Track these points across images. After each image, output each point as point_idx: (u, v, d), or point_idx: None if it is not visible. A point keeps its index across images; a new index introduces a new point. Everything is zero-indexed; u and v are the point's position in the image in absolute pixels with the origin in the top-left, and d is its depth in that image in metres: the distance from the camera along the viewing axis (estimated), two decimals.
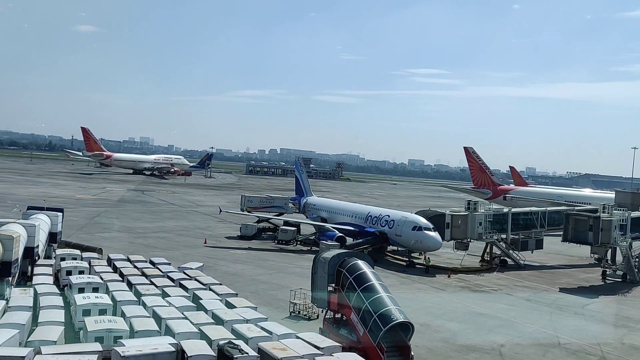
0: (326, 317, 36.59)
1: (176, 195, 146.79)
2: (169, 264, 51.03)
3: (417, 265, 66.55)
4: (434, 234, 64.51)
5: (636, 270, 65.96)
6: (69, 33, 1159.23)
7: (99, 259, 51.70)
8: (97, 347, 27.69)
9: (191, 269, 49.34)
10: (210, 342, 28.96)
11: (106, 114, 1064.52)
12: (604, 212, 65.75)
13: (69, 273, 44.04)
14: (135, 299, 37.81)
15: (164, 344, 27.55)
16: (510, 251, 71.84)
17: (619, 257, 68.74)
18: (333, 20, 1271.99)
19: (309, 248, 73.96)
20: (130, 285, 41.85)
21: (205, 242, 73.63)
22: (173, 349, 26.92)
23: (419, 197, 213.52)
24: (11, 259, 37.87)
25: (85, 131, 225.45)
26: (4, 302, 34.83)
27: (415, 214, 70.97)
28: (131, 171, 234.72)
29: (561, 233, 69.37)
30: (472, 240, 70.31)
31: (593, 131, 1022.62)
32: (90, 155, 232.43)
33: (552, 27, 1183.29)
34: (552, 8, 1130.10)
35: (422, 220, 66.27)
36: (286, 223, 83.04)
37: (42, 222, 50.28)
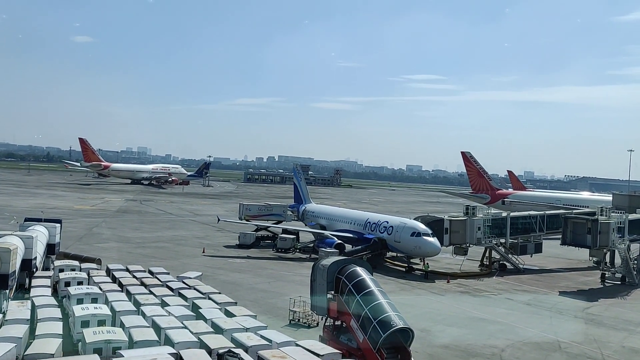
0: (326, 324, 36.49)
1: (174, 205, 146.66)
2: (168, 273, 50.92)
3: (416, 271, 66.48)
4: (433, 240, 64.48)
5: (635, 272, 66.01)
6: (65, 44, 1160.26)
7: (97, 269, 51.50)
8: (96, 358, 27.59)
9: (190, 278, 49.24)
10: (209, 351, 28.90)
11: (104, 125, 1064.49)
12: (601, 215, 65.80)
13: (67, 284, 43.85)
14: (135, 309, 37.68)
15: (163, 353, 27.45)
16: (510, 255, 71.81)
17: (617, 260, 68.77)
18: (330, 27, 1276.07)
19: (308, 256, 73.84)
20: (129, 295, 41.73)
21: (203, 252, 73.49)
22: (173, 359, 26.82)
23: (418, 203, 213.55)
24: (8, 272, 37.66)
25: (83, 142, 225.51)
26: (0, 315, 34.66)
27: (414, 219, 70.96)
28: (129, 181, 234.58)
29: (560, 237, 69.41)
30: (471, 245, 70.32)
31: (590, 134, 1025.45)
32: (88, 166, 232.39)
33: (548, 31, 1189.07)
34: (547, 12, 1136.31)
35: (421, 226, 66.28)
36: (285, 231, 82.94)
37: (40, 234, 50.16)
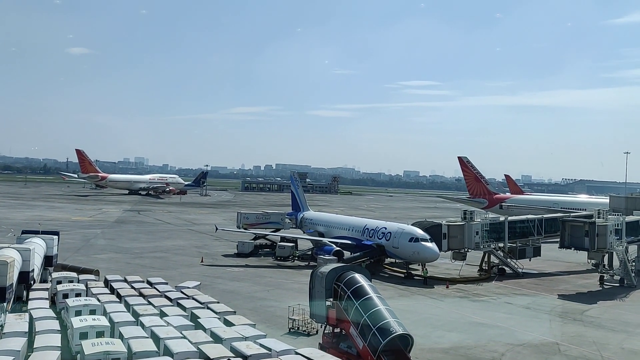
0: (325, 332, 36.45)
1: (172, 215, 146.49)
2: (167, 283, 50.75)
3: (415, 277, 66.43)
4: (431, 245, 64.49)
5: (633, 274, 66.12)
6: (61, 55, 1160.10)
7: (95, 280, 51.38)
8: None
9: (188, 287, 49.09)
10: None
11: (101, 136, 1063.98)
12: (599, 218, 65.93)
13: (65, 296, 43.69)
14: (133, 319, 37.57)
15: None
16: (508, 259, 71.81)
17: (616, 262, 68.87)
18: (325, 35, 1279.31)
19: (306, 263, 73.77)
20: (127, 306, 41.61)
21: (202, 261, 73.38)
22: None
23: (415, 209, 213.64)
24: (5, 285, 37.62)
25: (80, 153, 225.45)
26: None
27: (412, 225, 71.00)
28: (127, 192, 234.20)
29: (558, 240, 69.50)
30: (469, 250, 70.40)
31: (586, 137, 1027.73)
32: (85, 177, 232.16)
33: (542, 35, 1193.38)
34: (541, 17, 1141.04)
35: (419, 232, 66.31)
36: (283, 239, 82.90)
37: (38, 246, 50.03)
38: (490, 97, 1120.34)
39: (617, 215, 69.36)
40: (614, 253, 67.07)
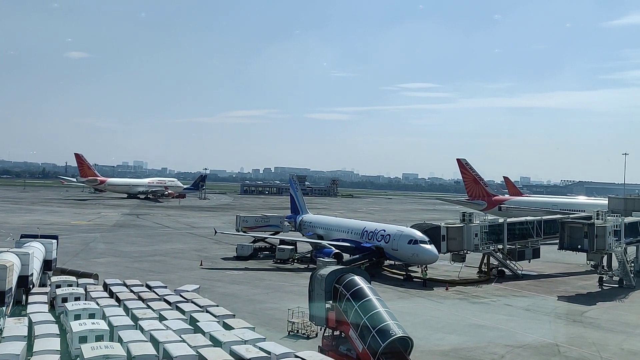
0: (325, 334, 36.42)
1: (171, 218, 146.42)
2: (166, 287, 50.72)
3: (414, 279, 66.43)
4: (430, 247, 64.50)
5: (632, 275, 66.20)
6: (59, 59, 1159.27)
7: (95, 284, 51.31)
8: None
9: (188, 291, 49.01)
10: None
11: (100, 140, 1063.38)
12: (597, 219, 65.98)
13: (64, 300, 43.65)
14: (132, 323, 37.54)
15: None
16: (508, 261, 71.81)
17: (615, 263, 68.87)
18: (323, 38, 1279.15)
19: (306, 266, 73.72)
20: (127, 309, 41.56)
21: (201, 264, 73.31)
22: None
23: (414, 211, 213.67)
24: (5, 289, 37.62)
25: (78, 157, 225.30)
26: None
27: (411, 227, 71.02)
28: (125, 195, 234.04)
29: (557, 241, 69.51)
30: (468, 252, 70.36)
31: (585, 139, 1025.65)
32: (84, 181, 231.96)
33: (540, 37, 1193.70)
34: (539, 19, 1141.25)
35: (418, 234, 66.33)
36: (282, 242, 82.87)
37: (37, 250, 50.01)
38: (489, 99, 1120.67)
39: (616, 216, 69.48)
40: (613, 254, 67.15)
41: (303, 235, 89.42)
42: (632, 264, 68.85)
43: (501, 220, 76.61)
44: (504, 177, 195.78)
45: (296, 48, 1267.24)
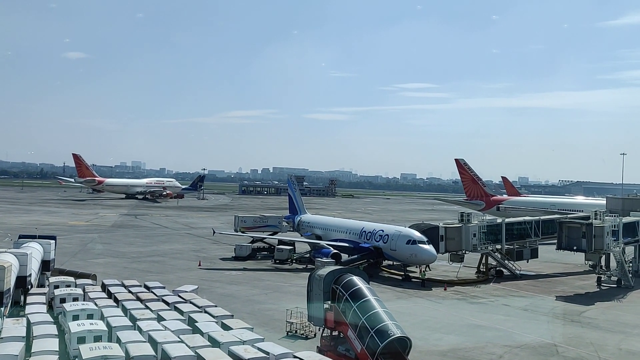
0: (323, 335, 36.44)
1: (169, 218, 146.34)
2: (164, 287, 50.72)
3: (413, 279, 66.47)
4: (429, 247, 64.53)
5: (630, 275, 66.29)
6: (57, 60, 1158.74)
7: (93, 285, 51.30)
8: None
9: (186, 291, 49.02)
10: None
11: (97, 140, 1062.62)
12: (596, 219, 66.05)
13: (62, 300, 43.61)
14: (131, 324, 37.52)
15: None
16: (506, 261, 71.86)
17: (613, 263, 68.94)
18: (321, 38, 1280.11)
19: (304, 266, 73.70)
20: (125, 310, 41.55)
21: (199, 265, 73.28)
22: None
23: (413, 211, 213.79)
24: (3, 289, 37.61)
25: (76, 157, 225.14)
26: None
27: (409, 227, 71.06)
28: (124, 196, 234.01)
29: (555, 241, 69.60)
30: (467, 252, 70.43)
31: (583, 139, 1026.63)
32: (82, 182, 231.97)
33: (538, 37, 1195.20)
34: (536, 18, 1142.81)
35: (416, 234, 66.36)
36: (281, 242, 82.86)
37: (35, 251, 49.96)
38: (487, 99, 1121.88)
39: (614, 216, 69.56)
40: (611, 254, 67.19)
41: (301, 236, 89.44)
42: (630, 264, 68.87)
43: (499, 220, 76.64)
44: (502, 177, 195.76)
45: (294, 48, 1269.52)
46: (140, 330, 35.87)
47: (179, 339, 33.45)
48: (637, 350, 41.26)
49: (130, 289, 49.05)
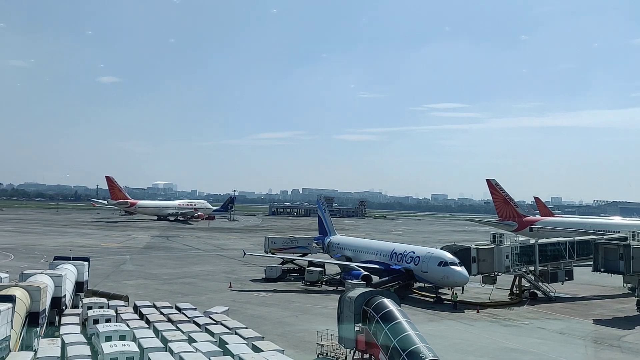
0: (354, 357, 36.08)
1: (200, 240, 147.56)
2: (195, 309, 50.92)
3: (444, 302, 65.52)
4: (461, 269, 63.72)
5: None
6: (91, 84, 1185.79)
7: (125, 306, 51.86)
8: None
9: (217, 313, 49.21)
10: None
11: (130, 162, 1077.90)
12: (634, 240, 64.35)
13: (95, 322, 44.15)
14: (162, 345, 37.69)
15: None
16: (540, 283, 70.38)
17: None
18: (350, 60, 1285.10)
19: (334, 288, 73.35)
20: (156, 331, 41.80)
21: (230, 286, 73.49)
22: None
23: (444, 232, 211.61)
24: (39, 310, 38.20)
25: (109, 180, 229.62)
26: (32, 353, 34.98)
27: (441, 249, 70.30)
28: (155, 217, 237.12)
29: (591, 263, 67.96)
30: (499, 274, 69.20)
31: (617, 158, 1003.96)
32: (115, 204, 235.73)
33: (568, 55, 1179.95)
34: (567, 37, 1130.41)
35: (448, 256, 65.60)
36: (310, 263, 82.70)
37: (69, 272, 50.76)
38: (518, 118, 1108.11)
39: None
40: None
41: (331, 257, 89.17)
42: None
43: (532, 241, 75.17)
44: (534, 197, 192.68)
45: (323, 70, 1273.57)
46: (171, 351, 35.99)
47: None
48: None
49: (161, 310, 49.37)
